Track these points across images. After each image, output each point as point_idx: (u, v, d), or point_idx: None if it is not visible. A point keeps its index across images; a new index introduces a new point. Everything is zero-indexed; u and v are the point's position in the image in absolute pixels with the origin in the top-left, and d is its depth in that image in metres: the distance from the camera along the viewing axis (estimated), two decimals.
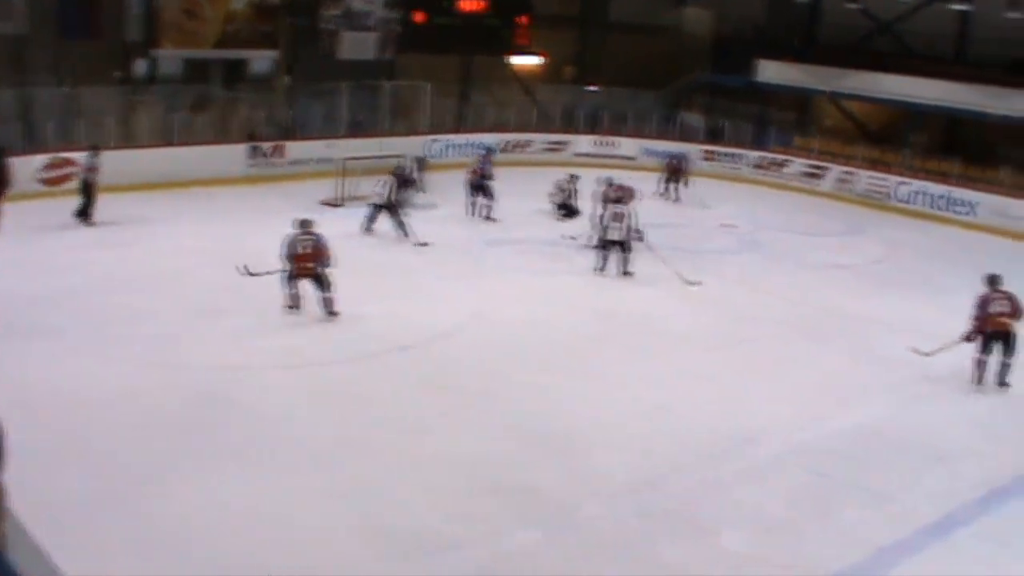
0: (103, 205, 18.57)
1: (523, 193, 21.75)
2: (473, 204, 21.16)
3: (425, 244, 18.44)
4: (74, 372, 11.68)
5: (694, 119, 30.46)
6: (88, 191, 18.68)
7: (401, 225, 18.77)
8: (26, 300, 13.93)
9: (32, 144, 21.16)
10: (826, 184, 26.96)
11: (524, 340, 13.97)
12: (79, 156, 19.94)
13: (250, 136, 24.21)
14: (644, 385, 12.48)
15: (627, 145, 29.25)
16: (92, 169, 18.77)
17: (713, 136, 29.56)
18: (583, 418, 11.37)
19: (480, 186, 21.18)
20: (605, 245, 17.50)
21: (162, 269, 16.08)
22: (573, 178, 22.00)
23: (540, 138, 29.20)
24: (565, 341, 14.03)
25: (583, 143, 29.23)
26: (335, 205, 21.15)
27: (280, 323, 13.95)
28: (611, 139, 29.38)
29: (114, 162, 20.18)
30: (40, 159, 20.54)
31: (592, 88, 31.38)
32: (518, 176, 24.00)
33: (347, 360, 12.74)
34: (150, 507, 8.79)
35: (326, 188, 21.75)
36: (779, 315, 15.84)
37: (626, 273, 17.29)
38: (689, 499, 9.71)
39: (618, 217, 17.37)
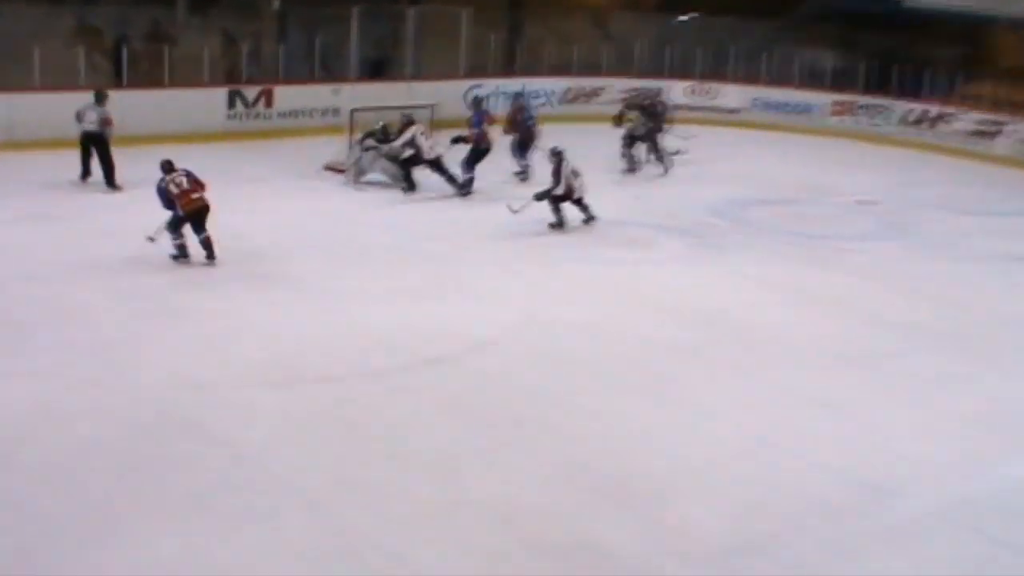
0: (26, 167, 18.70)
1: (591, 158, 21.67)
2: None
3: (516, 211, 18.87)
4: None
5: (822, 58, 30.19)
6: (100, 149, 19.31)
7: (451, 178, 19.46)
8: None
9: None
10: (1002, 146, 26.65)
11: (585, 352, 13.89)
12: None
13: (228, 78, 24.30)
14: (744, 414, 12.35)
15: (731, 94, 29.19)
16: (104, 122, 19.40)
17: (847, 82, 29.28)
18: (663, 457, 11.26)
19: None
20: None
21: (104, 253, 16.15)
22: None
23: (615, 84, 29.13)
24: (639, 353, 13.95)
25: (672, 91, 29.14)
26: (341, 171, 21.19)
27: (262, 324, 14.00)
28: (710, 86, 29.27)
29: (39, 109, 20.26)
30: None
31: (684, 17, 31.28)
32: (586, 135, 23.92)
33: (352, 376, 12.73)
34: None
35: (329, 149, 21.80)
36: (932, 323, 15.66)
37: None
38: (806, 569, 9.58)
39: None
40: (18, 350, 12.80)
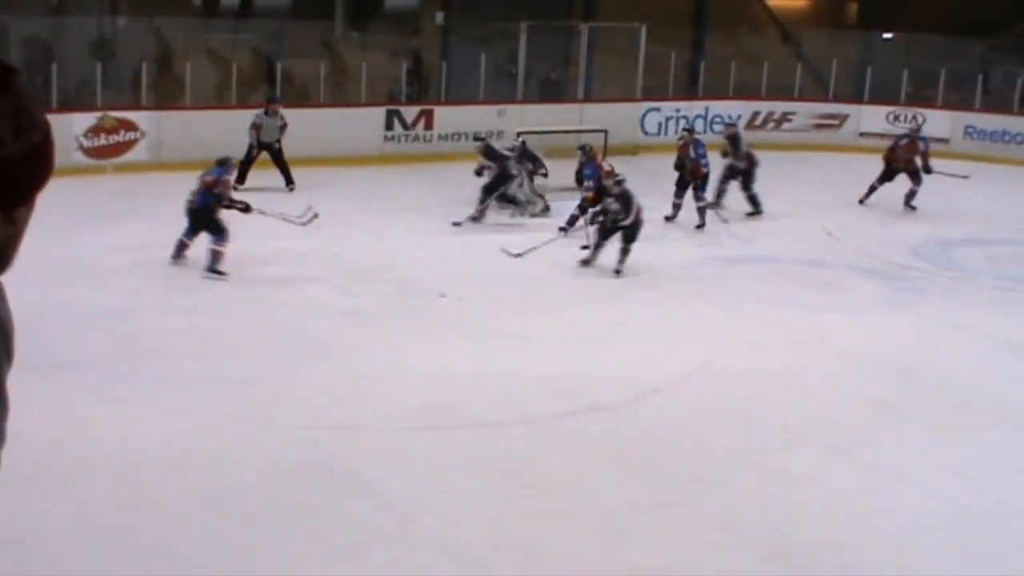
0: (172, 187, 19.13)
1: (780, 190, 21.53)
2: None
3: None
4: (107, 426, 11.86)
5: None
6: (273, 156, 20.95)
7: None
8: (50, 323, 14.00)
9: (72, 96, 21.70)
10: None
11: (769, 404, 13.72)
12: (138, 117, 21.15)
13: (387, 98, 24.59)
14: (949, 480, 12.01)
15: (938, 121, 28.67)
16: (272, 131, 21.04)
17: None
18: (853, 526, 11.01)
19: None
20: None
21: (248, 285, 16.52)
22: None
23: (807, 108, 28.92)
24: (833, 409, 13.70)
25: (871, 117, 28.79)
26: (510, 200, 21.31)
27: (416, 363, 14.08)
28: (914, 111, 28.86)
29: (185, 126, 20.80)
30: (83, 119, 21.00)
31: (887, 35, 30.91)
32: (774, 163, 23.75)
33: (513, 423, 12.73)
34: None
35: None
36: None
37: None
38: None
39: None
40: (160, 383, 13.04)
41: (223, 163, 16.99)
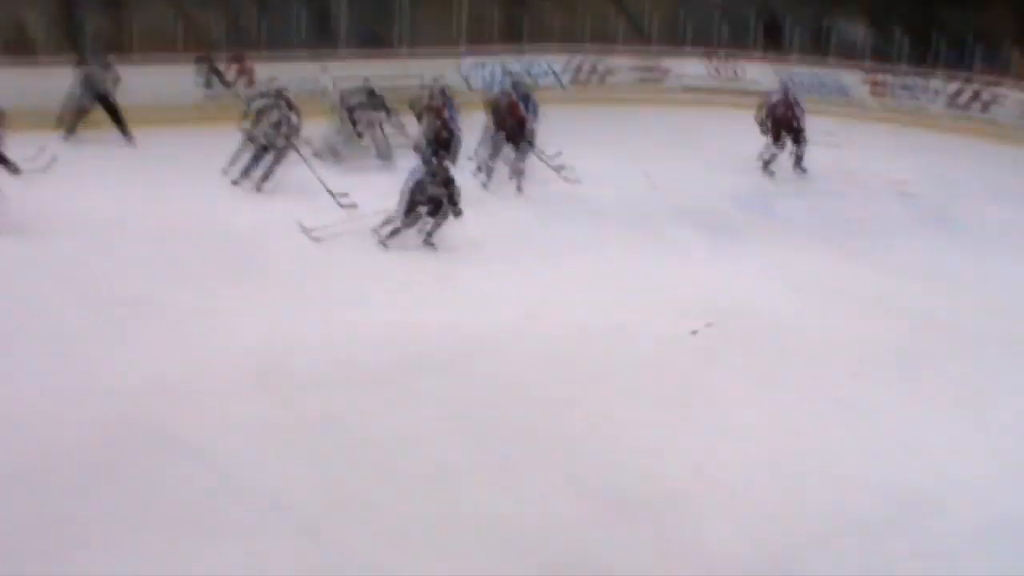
0: None
1: (604, 143, 21.75)
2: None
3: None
4: None
5: (855, 30, 30.17)
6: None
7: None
8: None
9: None
10: None
11: (596, 356, 13.92)
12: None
13: (203, 52, 24.24)
14: (769, 423, 12.42)
15: (756, 71, 29.10)
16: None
17: (883, 55, 29.22)
18: (680, 469, 11.31)
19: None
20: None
21: (68, 245, 16.23)
22: None
23: (629, 63, 29.10)
24: (654, 356, 14.01)
25: (691, 68, 29.14)
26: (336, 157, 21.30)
27: (243, 323, 14.02)
28: (732, 63, 29.23)
29: None
30: None
31: None
32: (597, 118, 23.98)
33: (342, 383, 12.72)
34: None
35: (316, 131, 21.81)
36: (974, 325, 15.72)
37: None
38: None
39: None
40: None
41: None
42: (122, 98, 21.90)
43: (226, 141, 19.49)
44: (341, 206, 18.16)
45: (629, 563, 9.77)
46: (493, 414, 12.28)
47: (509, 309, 15.10)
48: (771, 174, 23.30)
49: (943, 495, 11.19)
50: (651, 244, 18.23)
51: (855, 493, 11.13)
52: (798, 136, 23.13)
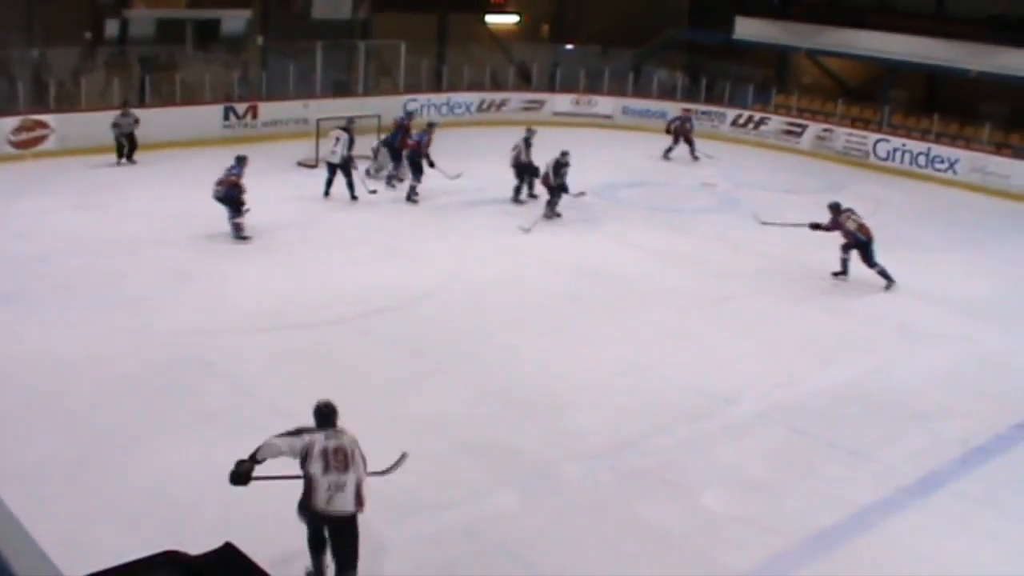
0: (75, 168, 18.36)
1: (500, 153, 21.53)
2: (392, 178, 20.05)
3: (374, 192, 18.81)
4: (39, 338, 11.53)
5: (670, 77, 30.17)
6: (128, 141, 19.95)
7: (351, 185, 18.39)
8: None
9: (2, 106, 20.90)
10: (805, 142, 26.85)
11: (500, 301, 13.87)
12: (49, 118, 20.14)
13: (225, 97, 23.93)
14: (621, 345, 12.42)
15: (605, 104, 29.07)
16: (135, 122, 20.06)
17: (692, 94, 29.31)
18: (560, 379, 11.30)
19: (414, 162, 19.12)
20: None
21: (134, 232, 15.90)
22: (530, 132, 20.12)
23: (517, 97, 28.97)
24: (540, 301, 13.94)
25: (561, 102, 29.04)
26: (311, 166, 20.87)
27: (254, 286, 13.81)
28: (589, 98, 29.17)
29: (86, 125, 20.08)
30: (10, 121, 20.40)
31: (569, 47, 31.13)
32: (496, 136, 23.75)
33: (323, 323, 12.60)
34: (127, 472, 8.74)
35: (302, 149, 21.55)
36: (758, 274, 15.78)
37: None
38: (668, 459, 9.65)
39: None
40: (69, 306, 12.62)
41: (240, 161, 15.75)
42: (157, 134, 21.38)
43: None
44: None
45: (522, 441, 9.79)
46: (429, 343, 12.18)
47: (438, 270, 14.94)
48: (669, 160, 24.32)
49: (736, 390, 11.30)
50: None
51: (679, 391, 11.20)
52: (689, 141, 24.46)
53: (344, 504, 6.90)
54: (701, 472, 9.45)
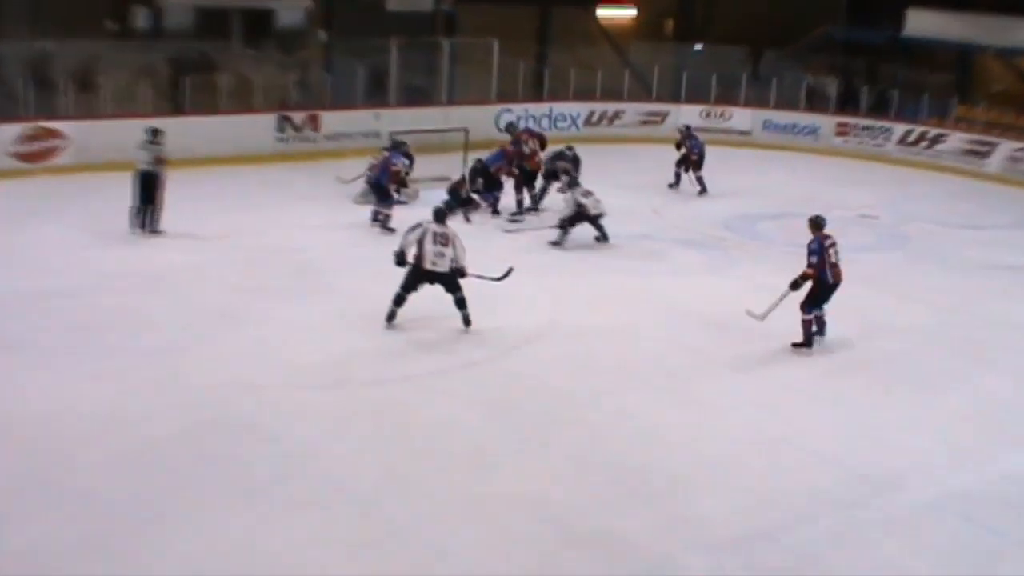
0: (95, 187, 18.71)
1: (612, 176, 21.68)
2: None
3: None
4: (51, 392, 11.70)
5: (825, 84, 30.09)
6: (149, 188, 17.51)
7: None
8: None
9: (3, 110, 21.14)
10: (993, 164, 26.51)
11: (607, 354, 13.91)
12: (63, 126, 20.47)
13: (279, 105, 24.28)
14: (754, 411, 12.36)
15: (742, 117, 29.09)
16: (157, 160, 17.63)
17: (849, 105, 29.18)
18: (681, 452, 11.26)
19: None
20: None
21: (165, 265, 16.27)
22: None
23: (634, 108, 29.12)
24: (657, 356, 13.96)
25: (687, 115, 29.11)
26: (349, 181, 21.08)
27: (314, 332, 13.99)
28: (722, 109, 29.23)
29: (111, 134, 20.49)
30: (14, 129, 20.53)
31: (698, 47, 31.23)
32: (607, 155, 23.93)
33: (397, 379, 12.72)
34: (143, 560, 8.76)
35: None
36: (927, 326, 15.63)
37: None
38: (815, 555, 9.55)
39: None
40: (87, 353, 12.82)
41: (397, 146, 18.24)
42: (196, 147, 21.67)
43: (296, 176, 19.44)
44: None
45: (633, 527, 9.71)
46: (523, 405, 12.25)
47: (534, 317, 15.06)
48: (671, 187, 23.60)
49: (900, 472, 11.11)
50: (653, 262, 18.17)
51: (827, 471, 11.04)
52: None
53: (443, 266, 13.91)
54: (854, 573, 9.35)
